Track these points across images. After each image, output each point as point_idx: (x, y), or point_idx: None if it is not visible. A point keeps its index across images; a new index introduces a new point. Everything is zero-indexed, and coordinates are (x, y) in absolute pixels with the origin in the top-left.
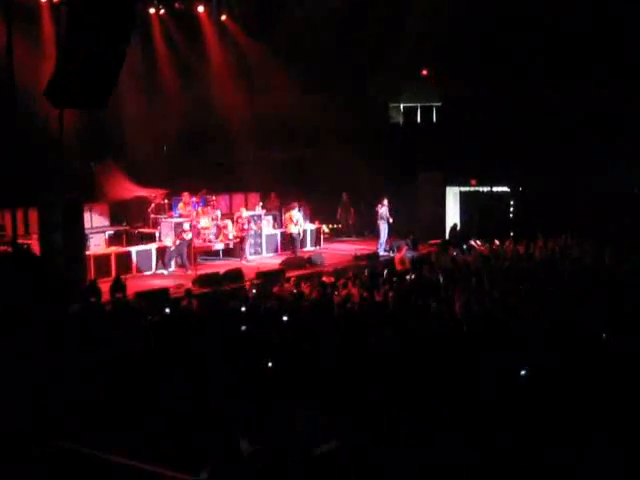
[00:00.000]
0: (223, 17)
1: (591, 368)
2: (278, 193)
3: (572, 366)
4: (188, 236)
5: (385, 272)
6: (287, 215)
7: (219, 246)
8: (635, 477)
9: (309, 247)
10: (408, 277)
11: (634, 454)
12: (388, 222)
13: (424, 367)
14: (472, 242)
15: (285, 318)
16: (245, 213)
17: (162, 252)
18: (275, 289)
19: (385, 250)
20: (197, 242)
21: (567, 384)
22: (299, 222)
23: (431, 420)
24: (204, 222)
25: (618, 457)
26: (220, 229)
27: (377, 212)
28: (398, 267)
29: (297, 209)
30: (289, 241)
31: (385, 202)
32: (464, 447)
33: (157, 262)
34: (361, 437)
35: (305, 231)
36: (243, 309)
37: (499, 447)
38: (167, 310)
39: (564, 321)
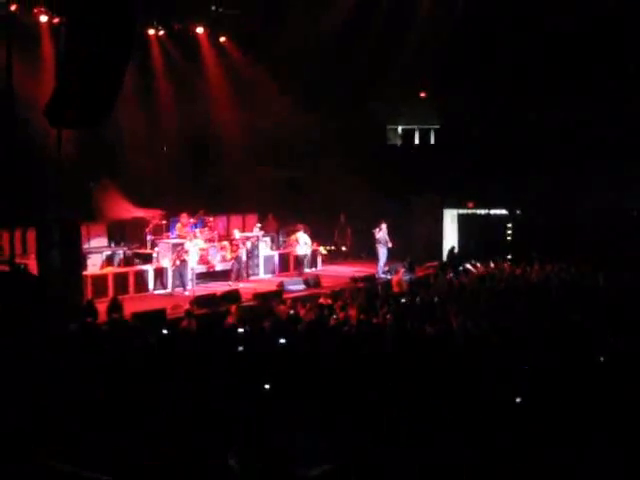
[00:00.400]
0: (222, 39)
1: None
2: (275, 214)
3: (570, 372)
4: (188, 257)
5: (382, 295)
6: (293, 237)
7: (219, 267)
8: (635, 477)
9: (306, 269)
10: (404, 300)
11: (634, 454)
12: (387, 246)
13: (423, 369)
14: (469, 265)
15: (282, 340)
16: (238, 234)
17: (159, 273)
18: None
19: (383, 273)
20: (196, 264)
21: (566, 389)
22: (307, 243)
23: (431, 420)
24: (201, 243)
25: (618, 457)
26: (218, 251)
27: (374, 236)
28: (395, 290)
29: (302, 231)
30: (297, 262)
31: (383, 226)
32: (464, 447)
33: (155, 282)
34: (359, 455)
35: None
36: (240, 330)
37: (499, 447)
38: (164, 331)
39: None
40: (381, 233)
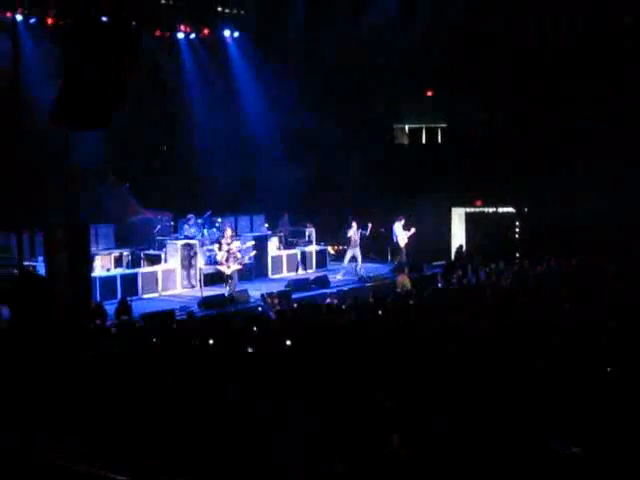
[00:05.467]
0: (228, 39)
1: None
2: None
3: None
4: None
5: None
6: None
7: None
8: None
9: (315, 268)
10: (411, 301)
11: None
12: (355, 246)
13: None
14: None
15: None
16: (229, 232)
17: (168, 274)
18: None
19: (359, 274)
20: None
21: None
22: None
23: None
24: (209, 244)
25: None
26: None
27: (348, 237)
28: (398, 289)
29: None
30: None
31: (354, 225)
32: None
33: (164, 283)
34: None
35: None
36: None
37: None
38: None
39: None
40: (352, 232)
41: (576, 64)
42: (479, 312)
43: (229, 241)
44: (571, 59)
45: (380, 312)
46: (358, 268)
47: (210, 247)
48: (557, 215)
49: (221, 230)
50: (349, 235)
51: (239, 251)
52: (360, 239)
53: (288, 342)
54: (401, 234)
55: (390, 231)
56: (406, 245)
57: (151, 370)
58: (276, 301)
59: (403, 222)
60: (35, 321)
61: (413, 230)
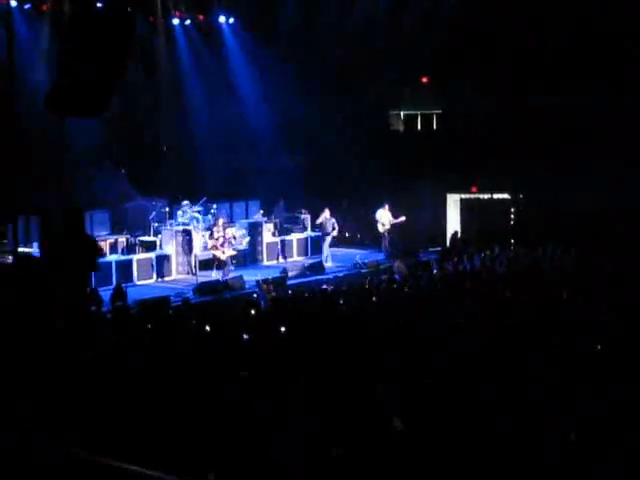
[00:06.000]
0: (224, 25)
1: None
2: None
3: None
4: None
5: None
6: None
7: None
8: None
9: (309, 255)
10: (406, 288)
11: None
12: (327, 233)
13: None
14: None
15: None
16: (221, 222)
17: (163, 260)
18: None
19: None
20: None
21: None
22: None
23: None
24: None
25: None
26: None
27: (318, 223)
28: (396, 275)
29: (386, 208)
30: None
31: (327, 212)
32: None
33: (159, 270)
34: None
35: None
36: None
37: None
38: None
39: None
40: (323, 219)
41: (575, 50)
42: (475, 304)
43: (220, 229)
44: (569, 48)
45: (375, 298)
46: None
47: (204, 233)
48: (552, 202)
49: (216, 217)
50: (319, 221)
51: (234, 237)
52: (335, 228)
53: (282, 329)
54: (383, 220)
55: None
56: (387, 231)
57: (146, 360)
58: (271, 287)
59: (387, 208)
60: (31, 306)
61: (403, 218)
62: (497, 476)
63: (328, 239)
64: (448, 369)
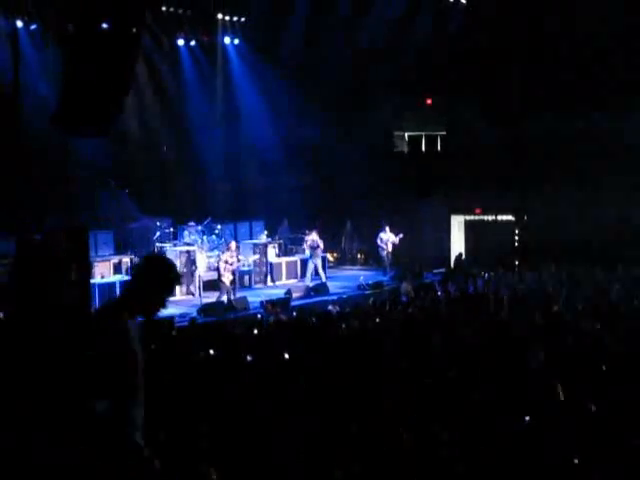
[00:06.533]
0: (229, 46)
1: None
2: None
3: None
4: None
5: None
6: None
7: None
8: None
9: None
10: (410, 309)
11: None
12: (315, 254)
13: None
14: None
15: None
16: (233, 246)
17: None
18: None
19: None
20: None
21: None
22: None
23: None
24: (208, 251)
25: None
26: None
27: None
28: (403, 297)
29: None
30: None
31: (314, 234)
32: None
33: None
34: None
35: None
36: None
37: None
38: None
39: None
40: (310, 241)
41: (577, 70)
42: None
43: (234, 254)
44: (571, 65)
45: (378, 320)
46: (306, 279)
47: (209, 254)
48: (556, 223)
49: (220, 237)
50: (308, 244)
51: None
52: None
53: (286, 355)
54: (387, 242)
55: (375, 240)
56: (388, 253)
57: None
58: (277, 309)
59: (387, 230)
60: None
61: (400, 235)
62: (497, 476)
63: (319, 261)
64: (448, 369)
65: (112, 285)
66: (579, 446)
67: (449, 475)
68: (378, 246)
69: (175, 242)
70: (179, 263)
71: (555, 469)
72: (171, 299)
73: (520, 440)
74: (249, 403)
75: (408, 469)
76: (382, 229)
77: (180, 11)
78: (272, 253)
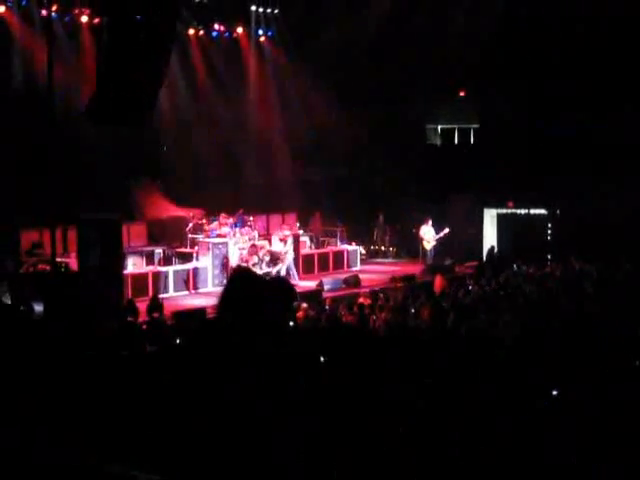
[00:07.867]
0: (262, 38)
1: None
2: (321, 213)
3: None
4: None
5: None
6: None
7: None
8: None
9: (345, 268)
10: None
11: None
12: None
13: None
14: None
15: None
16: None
17: (199, 272)
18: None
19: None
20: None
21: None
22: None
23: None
24: (241, 243)
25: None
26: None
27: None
28: (437, 291)
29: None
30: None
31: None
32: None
33: (195, 281)
34: None
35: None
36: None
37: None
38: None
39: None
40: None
41: (610, 61)
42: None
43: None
44: (602, 57)
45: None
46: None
47: (242, 246)
48: (590, 217)
49: (253, 229)
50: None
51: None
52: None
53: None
54: (427, 236)
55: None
56: (434, 247)
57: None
58: (310, 311)
59: (430, 224)
60: (67, 318)
61: (447, 230)
62: (497, 476)
63: (289, 265)
64: (448, 369)
65: (145, 275)
66: (579, 446)
67: (449, 475)
68: (422, 239)
69: (207, 234)
70: (211, 255)
71: (555, 469)
72: (203, 290)
73: (520, 440)
74: (249, 403)
75: (408, 469)
76: (424, 222)
77: (214, 2)
78: (304, 245)
